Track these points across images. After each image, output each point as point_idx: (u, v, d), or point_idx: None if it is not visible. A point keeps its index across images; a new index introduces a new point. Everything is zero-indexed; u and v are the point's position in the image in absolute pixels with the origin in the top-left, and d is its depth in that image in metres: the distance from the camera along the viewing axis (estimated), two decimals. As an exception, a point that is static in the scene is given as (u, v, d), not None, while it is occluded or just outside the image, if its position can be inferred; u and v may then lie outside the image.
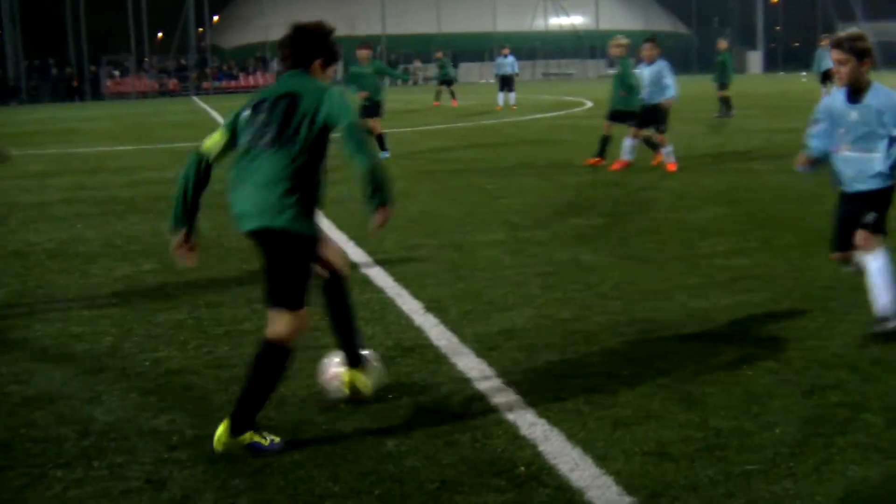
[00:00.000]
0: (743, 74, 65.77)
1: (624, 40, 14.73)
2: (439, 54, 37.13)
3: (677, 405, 4.89)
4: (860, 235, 5.88)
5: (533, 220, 9.95)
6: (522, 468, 4.20)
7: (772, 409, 4.81)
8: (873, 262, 5.85)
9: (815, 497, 3.90)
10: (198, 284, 7.73)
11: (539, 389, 5.15)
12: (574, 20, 75.49)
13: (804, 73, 56.48)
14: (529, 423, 4.68)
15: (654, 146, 14.37)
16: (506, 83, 31.61)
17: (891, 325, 5.81)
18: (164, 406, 5.11)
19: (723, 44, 25.01)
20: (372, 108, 16.11)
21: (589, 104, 32.79)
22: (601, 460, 4.26)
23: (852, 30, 6.08)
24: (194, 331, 6.53)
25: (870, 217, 5.86)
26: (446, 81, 34.96)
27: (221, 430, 4.45)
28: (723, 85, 24.47)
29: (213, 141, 4.77)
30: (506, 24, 70.04)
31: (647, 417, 4.74)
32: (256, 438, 4.46)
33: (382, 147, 16.32)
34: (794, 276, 7.42)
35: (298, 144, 4.56)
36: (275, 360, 4.54)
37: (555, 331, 6.24)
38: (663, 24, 77.20)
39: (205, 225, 9.02)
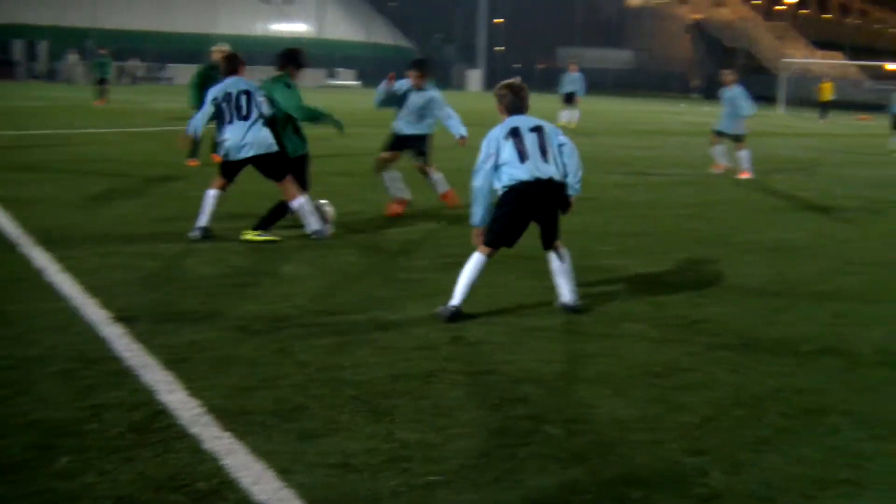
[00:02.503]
0: (463, 91, 67.58)
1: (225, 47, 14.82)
2: (103, 51, 36.21)
3: (365, 417, 4.95)
4: None
5: (235, 229, 9.78)
6: (203, 483, 4.12)
7: (459, 422, 4.94)
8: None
9: (494, 506, 4.03)
10: None
11: (227, 402, 5.07)
12: (297, 27, 75.24)
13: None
14: (214, 437, 4.60)
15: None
16: None
17: None
18: None
19: None
20: None
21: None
22: (284, 473, 4.23)
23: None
24: None
25: None
26: (102, 80, 34.43)
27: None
28: None
29: None
30: (227, 26, 68.94)
31: (334, 430, 4.76)
32: None
33: None
34: (489, 292, 7.63)
35: None
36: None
37: (248, 343, 6.17)
38: (386, 36, 78.32)
39: None
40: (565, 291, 7.26)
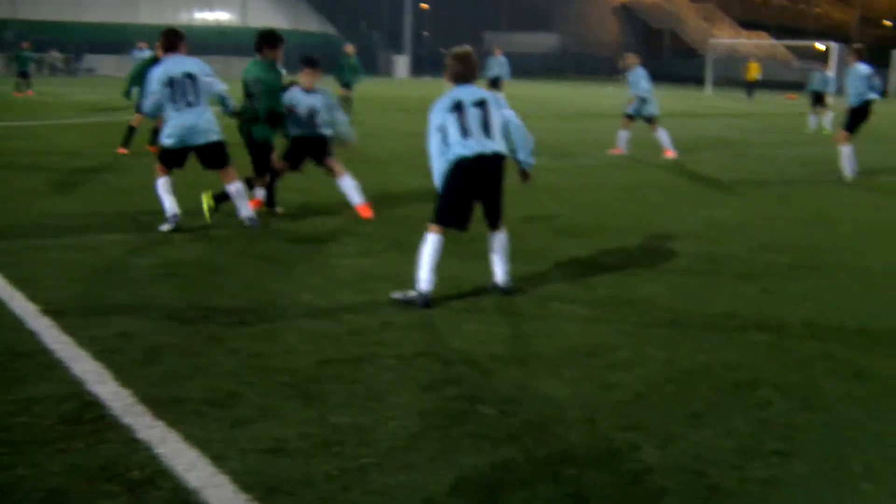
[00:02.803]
0: (390, 78, 67.38)
1: None
2: (25, 44, 36.51)
3: (297, 403, 4.95)
4: None
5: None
6: (136, 472, 4.09)
7: (391, 405, 4.96)
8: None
9: (427, 487, 4.06)
10: None
11: (159, 392, 5.03)
12: (220, 15, 74.30)
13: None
14: (146, 426, 4.56)
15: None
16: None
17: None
18: None
19: (350, 48, 26.06)
20: None
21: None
22: (218, 460, 4.23)
23: None
24: None
25: None
26: (23, 73, 34.72)
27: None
28: (347, 86, 25.26)
29: None
30: (149, 16, 67.85)
31: (266, 416, 4.75)
32: None
33: None
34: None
35: None
36: None
37: (179, 332, 6.12)
38: (312, 23, 77.57)
39: None
40: (499, 271, 7.29)
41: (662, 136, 18.14)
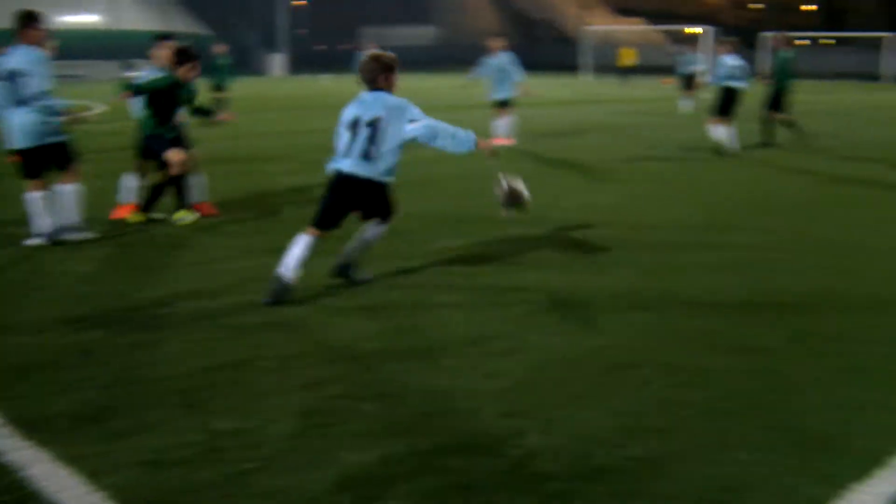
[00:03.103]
0: (265, 77, 66.56)
1: None
2: None
3: (177, 411, 4.83)
4: None
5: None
6: (4, 497, 3.93)
7: (273, 407, 4.89)
8: None
9: (311, 487, 4.03)
10: None
11: (27, 411, 4.85)
12: (89, 18, 72.36)
13: (326, 75, 58.63)
14: (14, 448, 4.39)
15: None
16: None
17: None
18: None
19: (220, 48, 25.63)
20: None
21: (100, 108, 31.76)
22: (93, 476, 4.09)
23: None
24: None
25: None
26: None
27: None
28: (219, 87, 24.78)
29: None
30: (8, 20, 65.80)
31: (144, 428, 4.62)
32: None
33: None
34: (300, 276, 7.56)
35: None
36: None
37: (49, 348, 5.90)
38: (183, 24, 76.27)
39: None
40: (353, 253, 7.32)
41: (509, 122, 18.14)
